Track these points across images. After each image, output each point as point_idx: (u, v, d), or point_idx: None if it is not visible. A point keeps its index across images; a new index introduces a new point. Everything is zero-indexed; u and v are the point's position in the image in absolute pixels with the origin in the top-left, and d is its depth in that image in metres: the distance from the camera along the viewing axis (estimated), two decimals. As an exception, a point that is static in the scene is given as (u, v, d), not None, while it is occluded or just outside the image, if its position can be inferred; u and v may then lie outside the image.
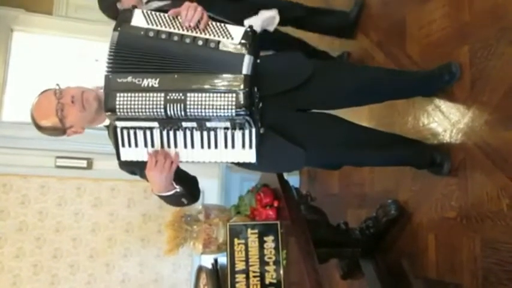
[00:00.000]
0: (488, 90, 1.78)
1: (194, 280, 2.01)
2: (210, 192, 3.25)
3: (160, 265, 3.15)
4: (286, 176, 1.97)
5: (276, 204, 1.78)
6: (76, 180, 3.08)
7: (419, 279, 2.08)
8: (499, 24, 1.75)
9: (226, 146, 1.37)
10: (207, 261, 2.07)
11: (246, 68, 1.27)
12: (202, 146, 1.37)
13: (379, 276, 2.16)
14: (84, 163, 3.07)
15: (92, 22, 3.98)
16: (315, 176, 3.27)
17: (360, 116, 2.35)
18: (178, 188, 1.50)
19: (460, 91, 1.91)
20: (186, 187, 1.55)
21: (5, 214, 2.92)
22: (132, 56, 1.30)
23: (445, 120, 1.99)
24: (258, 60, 1.37)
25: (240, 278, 1.63)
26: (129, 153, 1.40)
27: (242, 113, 1.24)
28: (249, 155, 1.39)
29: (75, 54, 4.18)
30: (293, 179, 3.36)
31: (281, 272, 1.61)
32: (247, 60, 1.28)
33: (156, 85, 1.25)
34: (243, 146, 1.37)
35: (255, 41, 1.33)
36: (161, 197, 1.52)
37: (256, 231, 1.67)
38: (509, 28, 1.71)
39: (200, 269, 1.99)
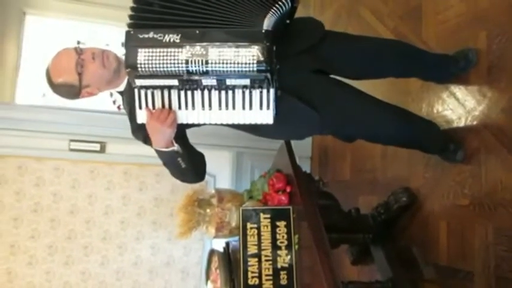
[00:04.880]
0: (506, 77, 1.76)
1: (206, 263, 2.03)
2: (222, 178, 3.26)
3: (172, 248, 3.18)
4: (298, 161, 1.97)
5: (288, 189, 1.78)
6: (89, 164, 3.10)
7: (430, 265, 2.09)
8: (518, 10, 1.72)
9: (244, 107, 1.36)
10: (218, 245, 2.09)
11: (267, 23, 1.27)
12: (220, 107, 1.36)
13: (389, 262, 2.17)
14: (97, 147, 3.08)
15: (104, 6, 3.98)
16: (327, 162, 3.27)
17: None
18: (176, 147, 1.50)
19: (477, 78, 1.89)
20: (186, 151, 1.55)
21: (20, 196, 2.97)
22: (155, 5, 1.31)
23: (460, 107, 1.97)
24: (288, 21, 1.36)
25: (253, 261, 1.64)
26: (146, 116, 1.40)
27: (263, 68, 1.24)
28: (266, 116, 1.38)
29: (87, 38, 4.18)
30: (305, 164, 3.36)
31: (293, 256, 1.63)
32: (271, 15, 1.28)
33: (178, 40, 1.25)
34: (261, 106, 1.36)
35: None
36: (158, 152, 1.52)
37: (268, 216, 1.68)
38: (528, 14, 1.68)
39: (212, 252, 2.01)
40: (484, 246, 1.80)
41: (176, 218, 1.93)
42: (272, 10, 1.31)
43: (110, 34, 4.12)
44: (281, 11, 1.34)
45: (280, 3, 1.33)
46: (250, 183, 1.98)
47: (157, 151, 1.52)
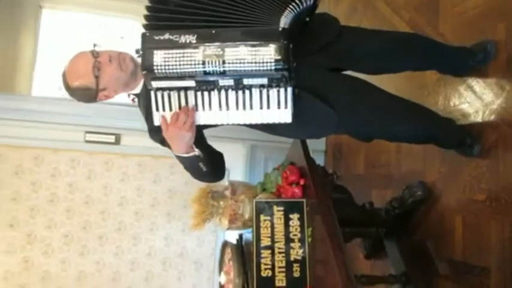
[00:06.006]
0: (525, 70, 1.72)
1: (219, 255, 2.05)
2: (236, 170, 3.27)
3: (185, 240, 3.22)
4: (311, 154, 1.96)
5: (302, 182, 1.77)
6: (104, 155, 3.15)
7: (445, 261, 2.07)
8: (538, 1, 1.68)
9: (261, 106, 1.34)
10: (231, 236, 2.10)
11: (284, 20, 1.25)
12: (237, 107, 1.34)
13: (403, 256, 2.16)
14: (112, 138, 3.12)
15: (119, -1, 4.02)
16: (341, 155, 3.25)
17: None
18: (197, 152, 1.48)
19: (495, 70, 1.85)
20: (206, 154, 1.54)
21: (37, 186, 3.03)
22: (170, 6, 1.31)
23: (477, 101, 1.94)
24: (308, 19, 1.34)
25: (266, 254, 1.65)
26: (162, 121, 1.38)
27: (280, 66, 1.22)
28: (285, 115, 1.35)
29: (101, 31, 4.22)
30: (319, 157, 3.35)
31: (306, 249, 1.63)
32: (288, 12, 1.26)
33: (194, 41, 1.24)
34: (279, 105, 1.34)
35: None
36: (179, 158, 1.51)
37: (282, 208, 1.68)
38: (549, 5, 1.64)
39: (225, 244, 2.02)
40: (501, 241, 1.78)
41: (190, 210, 1.95)
42: (289, 8, 1.29)
43: (125, 27, 4.15)
44: (299, 8, 1.32)
45: (297, 1, 1.31)
46: (263, 175, 1.98)
47: (178, 157, 1.51)
